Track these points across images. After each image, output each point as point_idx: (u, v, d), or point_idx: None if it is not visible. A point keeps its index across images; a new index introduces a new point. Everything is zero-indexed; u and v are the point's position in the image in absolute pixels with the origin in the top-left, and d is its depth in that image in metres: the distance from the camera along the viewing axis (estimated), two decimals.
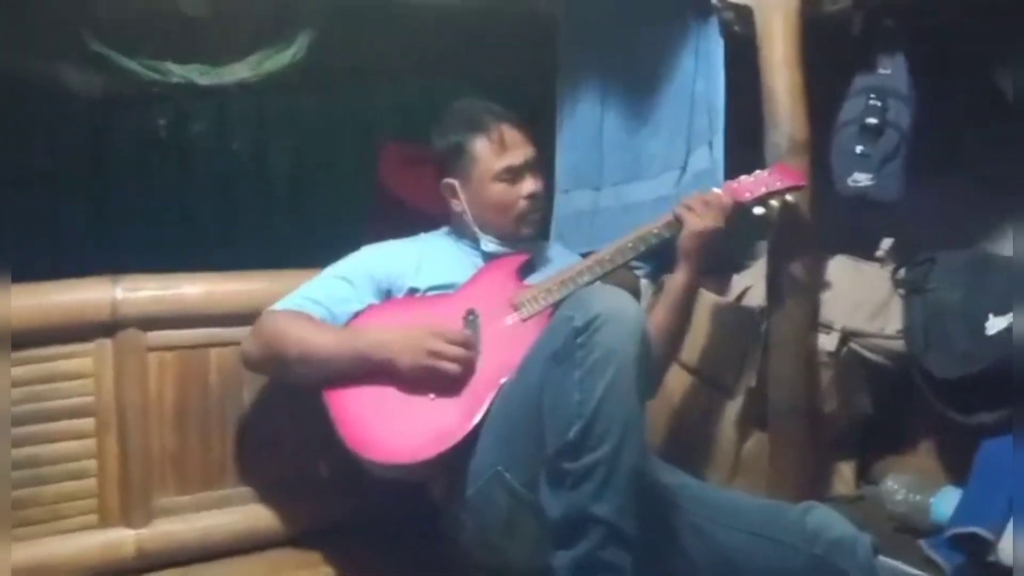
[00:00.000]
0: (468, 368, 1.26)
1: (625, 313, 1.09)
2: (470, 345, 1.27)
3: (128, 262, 1.45)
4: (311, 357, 1.29)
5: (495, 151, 1.41)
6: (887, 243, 1.66)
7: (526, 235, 1.47)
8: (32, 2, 1.68)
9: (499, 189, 1.42)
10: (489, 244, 1.46)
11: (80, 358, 1.35)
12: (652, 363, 1.17)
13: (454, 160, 1.44)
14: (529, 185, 1.43)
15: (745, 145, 1.55)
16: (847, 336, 1.56)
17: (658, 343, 1.41)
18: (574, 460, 1.05)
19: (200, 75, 1.76)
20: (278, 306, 1.36)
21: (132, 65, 1.70)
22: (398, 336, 1.27)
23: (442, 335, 1.26)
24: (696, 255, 1.38)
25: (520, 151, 1.42)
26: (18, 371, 1.31)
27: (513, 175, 1.42)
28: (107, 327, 1.37)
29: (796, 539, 1.17)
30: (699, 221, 1.36)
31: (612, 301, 1.10)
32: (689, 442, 1.65)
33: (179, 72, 1.74)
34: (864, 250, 1.68)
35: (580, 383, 1.06)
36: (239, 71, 1.78)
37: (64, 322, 1.35)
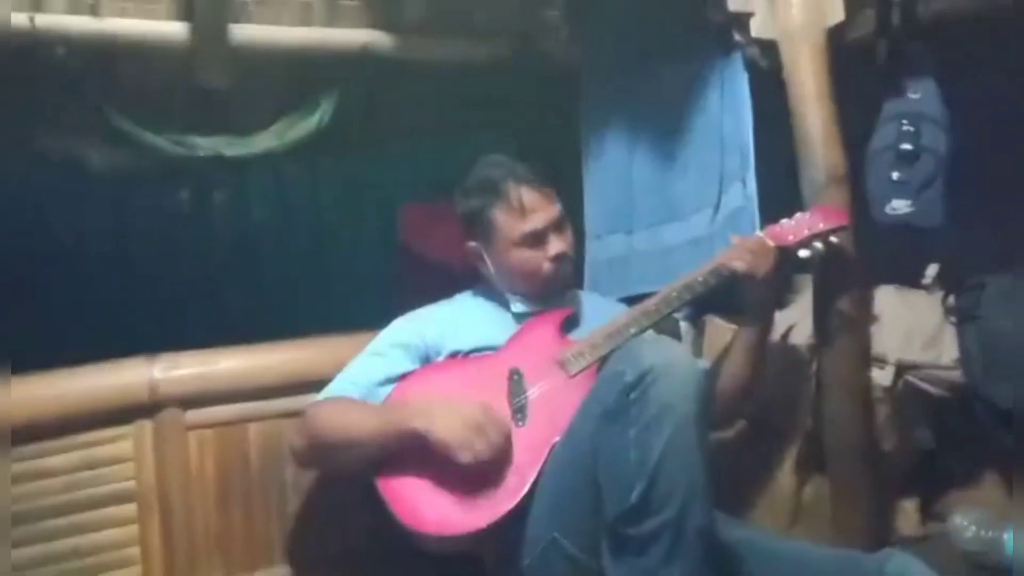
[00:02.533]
0: (507, 450, 1.19)
1: (679, 366, 1.05)
2: (508, 440, 1.20)
3: (155, 338, 1.44)
4: (354, 437, 1.24)
5: (515, 217, 1.37)
6: (932, 269, 1.61)
7: (555, 293, 1.43)
8: (53, 79, 1.70)
9: (523, 255, 1.38)
10: (518, 305, 1.42)
11: (120, 442, 1.34)
12: (713, 415, 1.12)
13: (476, 226, 1.41)
14: (555, 246, 1.38)
15: (775, 180, 1.51)
16: (902, 369, 1.51)
17: (732, 393, 1.40)
18: (637, 525, 1.01)
19: (226, 146, 1.75)
20: (320, 396, 1.32)
21: (157, 140, 1.70)
22: (440, 405, 1.21)
23: (488, 414, 1.19)
24: (758, 303, 1.38)
25: (541, 214, 1.37)
26: (58, 460, 1.30)
27: (536, 239, 1.37)
28: (147, 408, 1.35)
29: None
30: (749, 268, 1.33)
31: (664, 353, 1.07)
32: (745, 490, 1.60)
33: (204, 145, 1.74)
34: (908, 278, 1.64)
35: (636, 442, 1.02)
36: (265, 140, 1.77)
37: (103, 406, 1.33)
